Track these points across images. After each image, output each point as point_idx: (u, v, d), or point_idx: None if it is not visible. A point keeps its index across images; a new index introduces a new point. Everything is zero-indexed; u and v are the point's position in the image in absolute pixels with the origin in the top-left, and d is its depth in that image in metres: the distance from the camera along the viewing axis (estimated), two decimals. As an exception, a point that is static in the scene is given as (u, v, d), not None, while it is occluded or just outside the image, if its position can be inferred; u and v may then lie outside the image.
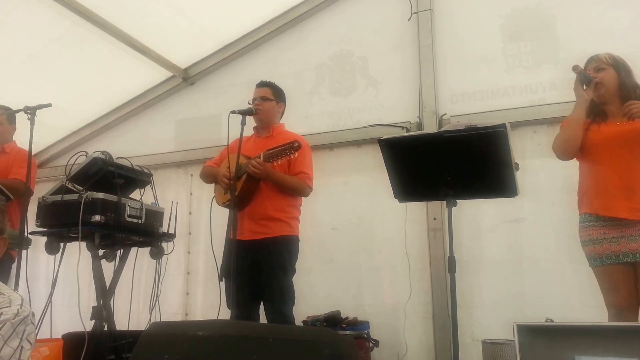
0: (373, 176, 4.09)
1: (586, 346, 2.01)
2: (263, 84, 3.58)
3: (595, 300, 3.45)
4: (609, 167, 2.63)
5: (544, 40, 4.04)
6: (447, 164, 2.54)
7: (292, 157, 3.13)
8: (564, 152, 2.83)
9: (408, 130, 4.21)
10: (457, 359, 2.41)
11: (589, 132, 2.72)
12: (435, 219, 4.01)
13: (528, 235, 3.78)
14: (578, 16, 3.96)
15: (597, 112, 2.79)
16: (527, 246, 3.77)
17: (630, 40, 3.53)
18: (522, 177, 3.63)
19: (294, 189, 3.37)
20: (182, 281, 4.74)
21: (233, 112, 3.29)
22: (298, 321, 3.85)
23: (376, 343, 3.83)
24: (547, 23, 4.05)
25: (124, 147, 4.77)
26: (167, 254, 3.72)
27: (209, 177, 3.61)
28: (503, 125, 2.35)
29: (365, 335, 3.81)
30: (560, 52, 3.96)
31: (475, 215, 3.91)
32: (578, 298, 3.52)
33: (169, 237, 3.71)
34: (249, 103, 3.47)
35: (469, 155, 2.48)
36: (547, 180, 3.80)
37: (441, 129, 2.57)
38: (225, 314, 3.13)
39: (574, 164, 3.73)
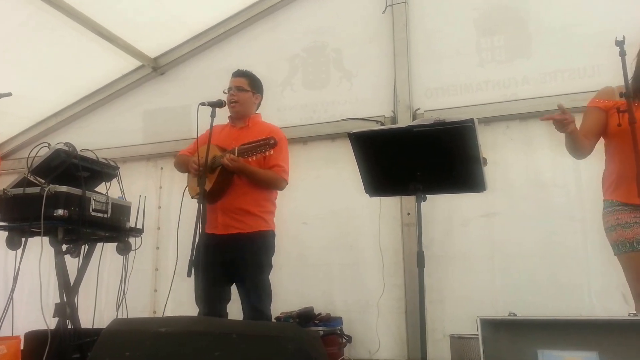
0: (347, 170, 4.02)
1: (548, 340, 2.01)
2: (240, 74, 3.48)
3: (564, 294, 3.52)
4: None
5: (517, 34, 4.04)
6: (417, 158, 2.50)
7: (267, 154, 3.07)
8: (574, 155, 2.75)
9: (382, 124, 4.18)
10: (425, 354, 2.37)
11: (623, 119, 2.43)
12: (409, 213, 4.00)
13: (500, 230, 3.79)
14: (551, 10, 3.97)
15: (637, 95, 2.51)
16: (499, 241, 3.78)
17: (602, 35, 3.52)
18: (494, 172, 3.66)
19: (268, 183, 3.30)
20: (150, 278, 4.64)
21: (202, 104, 3.20)
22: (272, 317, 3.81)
23: (349, 339, 3.82)
24: (521, 17, 4.05)
25: (91, 138, 4.64)
26: (135, 250, 3.63)
27: (182, 165, 3.49)
28: (471, 120, 2.32)
29: (338, 332, 3.79)
30: (533, 47, 3.97)
31: (448, 210, 3.91)
32: (548, 292, 3.54)
33: (137, 232, 3.63)
34: (224, 92, 3.38)
35: (437, 150, 2.44)
36: (519, 175, 3.82)
37: (410, 124, 2.53)
38: (195, 311, 3.07)
39: (547, 159, 3.79)
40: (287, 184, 3.36)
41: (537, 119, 3.79)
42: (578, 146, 2.63)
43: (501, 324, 2.09)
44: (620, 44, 2.43)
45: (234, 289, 3.27)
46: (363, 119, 4.25)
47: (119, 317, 3.39)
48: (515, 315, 2.10)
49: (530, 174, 3.80)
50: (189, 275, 2.96)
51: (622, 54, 2.45)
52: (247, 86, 3.44)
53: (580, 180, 3.61)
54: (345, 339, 3.78)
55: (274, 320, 3.75)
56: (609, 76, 3.14)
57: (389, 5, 4.40)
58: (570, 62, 3.81)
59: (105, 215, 3.40)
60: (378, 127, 3.97)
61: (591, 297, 3.48)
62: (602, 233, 2.74)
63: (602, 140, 2.75)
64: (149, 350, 2.05)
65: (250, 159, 3.12)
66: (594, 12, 3.82)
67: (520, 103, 3.88)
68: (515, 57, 4.02)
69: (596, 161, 3.08)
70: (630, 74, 2.52)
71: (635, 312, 2.26)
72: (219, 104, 3.28)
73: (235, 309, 3.28)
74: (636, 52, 2.63)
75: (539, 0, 4.02)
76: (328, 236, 4.24)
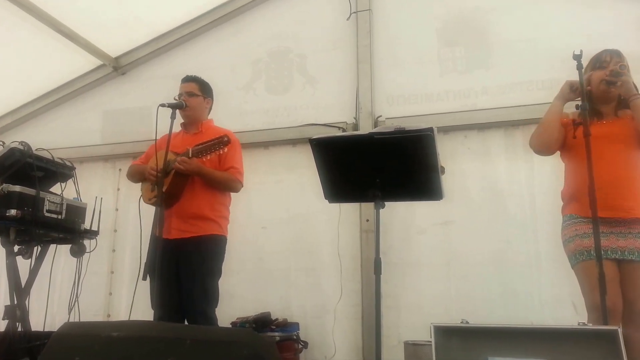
0: (307, 176, 4.04)
1: (499, 347, 2.05)
2: (189, 79, 3.49)
3: (516, 302, 3.61)
4: (600, 167, 2.42)
5: (477, 46, 4.13)
6: (376, 165, 2.52)
7: (221, 152, 3.07)
8: (541, 143, 2.78)
9: (344, 130, 4.21)
10: (380, 359, 2.39)
11: (578, 131, 2.53)
12: (368, 220, 4.02)
13: (456, 238, 3.85)
14: (511, 23, 4.07)
15: (591, 112, 2.61)
16: (455, 249, 3.84)
17: (560, 49, 3.63)
18: (452, 181, 3.73)
19: (224, 184, 3.30)
20: (105, 281, 4.54)
21: (162, 105, 3.18)
22: (227, 322, 3.78)
23: (305, 345, 3.82)
24: (482, 29, 4.14)
25: (48, 137, 4.55)
26: (89, 252, 3.56)
27: (136, 175, 3.47)
28: (430, 129, 2.36)
29: (295, 337, 3.79)
30: (492, 58, 4.07)
31: (406, 217, 3.96)
32: (501, 300, 3.62)
33: (92, 234, 3.55)
34: (175, 99, 3.36)
35: (397, 157, 2.47)
36: (476, 185, 3.89)
37: (371, 131, 2.55)
38: (150, 315, 3.02)
39: (503, 169, 3.89)
40: (242, 186, 3.37)
41: (495, 129, 3.94)
42: (555, 129, 2.64)
43: (454, 331, 2.13)
44: (577, 57, 2.52)
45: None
46: (325, 125, 4.26)
47: (71, 320, 3.31)
48: (467, 322, 2.14)
49: (486, 183, 3.88)
50: (144, 278, 2.92)
51: (579, 67, 2.55)
52: (198, 91, 3.44)
53: (534, 191, 3.72)
54: (302, 344, 3.78)
55: (229, 325, 3.73)
56: (567, 89, 3.26)
57: (353, 13, 4.44)
58: (528, 75, 3.91)
59: (60, 217, 3.34)
60: (339, 133, 4.00)
61: (542, 305, 3.56)
62: (553, 243, 2.85)
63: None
64: (99, 355, 2.00)
65: (204, 159, 3.12)
66: (552, 26, 3.94)
67: (479, 113, 3.97)
68: (475, 68, 4.11)
69: (549, 173, 3.20)
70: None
71: (584, 322, 2.31)
72: (179, 106, 3.28)
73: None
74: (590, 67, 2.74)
75: (499, 14, 4.12)
76: (287, 241, 4.23)
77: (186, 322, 3.12)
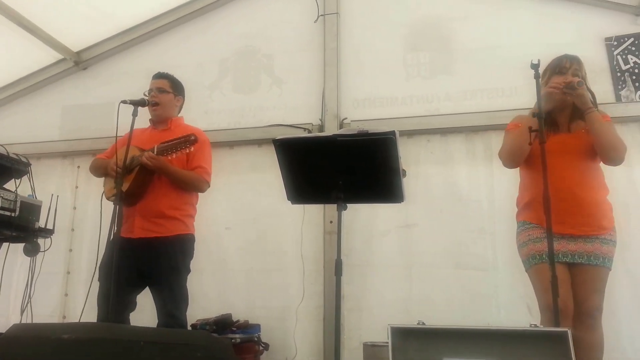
0: (272, 176, 3.97)
1: (454, 348, 2.08)
2: (161, 76, 3.42)
3: (474, 304, 3.67)
4: (552, 181, 2.43)
5: (441, 52, 4.20)
6: (339, 167, 2.52)
7: (187, 151, 3.01)
8: (512, 161, 2.80)
9: (309, 132, 4.21)
10: (340, 361, 2.40)
11: (534, 139, 2.53)
12: (331, 222, 4.03)
13: (418, 241, 3.89)
14: (474, 31, 4.16)
15: (548, 122, 2.68)
16: (417, 251, 3.87)
17: (520, 58, 3.73)
18: (415, 184, 3.77)
19: (190, 184, 3.24)
20: (60, 281, 4.40)
21: (124, 101, 3.10)
22: (187, 324, 3.71)
23: (266, 347, 3.79)
24: (446, 36, 4.21)
25: (3, 132, 4.43)
26: (44, 251, 3.46)
27: (99, 169, 3.38)
28: (392, 133, 2.38)
29: (256, 339, 3.75)
30: (456, 65, 4.14)
31: (370, 219, 3.98)
32: (460, 302, 3.68)
33: (46, 232, 3.47)
34: (144, 94, 3.29)
35: (360, 160, 2.48)
36: (437, 188, 3.95)
37: (334, 133, 2.56)
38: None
39: (464, 174, 3.95)
40: (209, 186, 3.32)
41: (456, 134, 4.00)
42: (524, 142, 2.59)
43: (410, 332, 2.15)
44: (535, 67, 2.59)
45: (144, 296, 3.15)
46: (291, 126, 4.26)
47: (24, 321, 3.21)
48: (424, 323, 2.17)
49: (448, 187, 3.93)
50: (99, 279, 2.85)
51: (537, 76, 2.61)
52: (169, 88, 3.38)
53: (493, 196, 3.78)
54: (262, 346, 3.75)
55: (189, 327, 3.67)
56: (526, 97, 3.35)
57: (321, 15, 4.45)
58: (489, 82, 3.99)
59: (13, 214, 3.25)
60: (304, 134, 4.00)
61: (499, 307, 3.63)
62: (510, 247, 2.90)
63: None
64: (49, 357, 1.95)
65: (170, 157, 3.06)
66: (513, 36, 4.03)
67: (442, 118, 4.02)
68: (439, 74, 4.17)
69: (507, 179, 3.26)
70: None
71: (536, 323, 2.37)
72: (141, 103, 3.20)
73: (147, 318, 3.18)
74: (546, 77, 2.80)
75: (463, 22, 4.19)
76: (251, 242, 4.20)
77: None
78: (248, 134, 4.39)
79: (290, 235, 4.09)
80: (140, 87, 3.39)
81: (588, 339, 2.53)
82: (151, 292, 3.11)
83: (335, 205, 2.60)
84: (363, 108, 4.26)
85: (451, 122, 3.97)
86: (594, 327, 2.57)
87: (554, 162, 2.49)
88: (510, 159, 2.81)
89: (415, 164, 3.92)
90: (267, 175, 4.14)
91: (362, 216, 3.95)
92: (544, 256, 2.56)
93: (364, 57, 4.36)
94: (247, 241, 4.20)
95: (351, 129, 2.58)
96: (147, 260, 3.07)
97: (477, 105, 3.98)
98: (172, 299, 3.07)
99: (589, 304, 2.58)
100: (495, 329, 2.26)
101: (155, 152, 3.03)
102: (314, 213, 4.07)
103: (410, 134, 3.98)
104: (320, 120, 4.27)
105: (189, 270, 3.22)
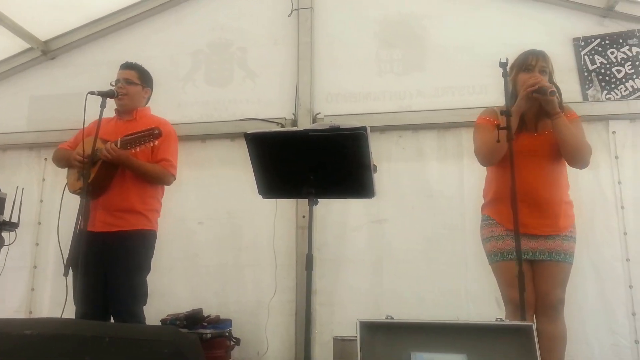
0: (245, 170, 3.92)
1: (421, 342, 2.11)
2: (128, 66, 3.36)
3: (444, 298, 3.72)
4: (519, 181, 2.47)
5: (414, 49, 4.22)
6: (311, 162, 2.53)
7: (152, 144, 2.96)
8: (488, 161, 2.81)
9: (283, 126, 4.19)
10: (310, 355, 2.41)
11: (502, 135, 2.52)
12: (304, 216, 4.01)
13: (389, 236, 3.92)
14: (445, 29, 4.19)
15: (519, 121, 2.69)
16: (388, 246, 3.91)
17: (489, 57, 3.78)
18: (387, 180, 3.80)
19: (154, 177, 3.19)
20: (26, 275, 4.29)
21: (92, 92, 3.06)
22: (157, 320, 3.68)
23: (237, 341, 3.77)
24: (418, 33, 4.24)
25: (-33, 123, 4.26)
26: (8, 245, 3.37)
27: (62, 160, 3.31)
28: (364, 128, 2.39)
29: (227, 334, 3.73)
30: (428, 62, 4.17)
31: (341, 214, 4.00)
32: (430, 297, 3.72)
33: (11, 226, 3.39)
34: (111, 84, 3.23)
35: (331, 155, 2.49)
36: (409, 184, 3.98)
37: (306, 128, 2.56)
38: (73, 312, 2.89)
39: (435, 170, 3.99)
40: (175, 179, 3.29)
41: (428, 130, 4.04)
42: (504, 150, 2.59)
43: (379, 326, 2.17)
44: (503, 65, 2.63)
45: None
46: (264, 120, 4.23)
47: (-12, 317, 3.12)
48: (392, 318, 2.19)
49: (419, 183, 3.97)
50: (65, 274, 2.79)
51: (505, 74, 2.66)
52: (137, 79, 3.32)
53: (463, 192, 3.83)
54: (234, 341, 3.73)
55: (159, 322, 3.63)
56: (495, 94, 3.38)
57: (295, 10, 4.43)
58: (460, 80, 4.04)
59: (-25, 207, 3.15)
60: (276, 128, 3.98)
61: (468, 302, 3.70)
62: (479, 242, 2.94)
63: None
64: (10, 354, 1.89)
65: (133, 150, 2.99)
66: (484, 34, 4.08)
67: (413, 114, 4.05)
68: (411, 71, 4.19)
69: (477, 176, 3.30)
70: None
71: (501, 317, 2.43)
72: (110, 94, 3.15)
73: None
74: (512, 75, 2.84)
75: (434, 21, 4.23)
76: (223, 236, 4.17)
77: (112, 320, 3.01)
78: (220, 128, 4.35)
79: (262, 230, 4.08)
80: (111, 78, 3.33)
81: (551, 330, 2.60)
82: (109, 287, 3.04)
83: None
84: (336, 103, 4.26)
85: (423, 118, 4.01)
86: (556, 319, 2.64)
87: (519, 162, 2.52)
88: (487, 158, 2.81)
89: (387, 159, 3.95)
90: (239, 170, 4.10)
91: (335, 211, 3.96)
92: (505, 254, 2.68)
93: (338, 52, 4.36)
94: (219, 235, 4.17)
95: (323, 124, 2.59)
96: (108, 254, 3.02)
97: (448, 102, 4.02)
98: (132, 295, 3.04)
99: (552, 297, 2.64)
100: (462, 323, 2.30)
101: (118, 145, 2.98)
102: (286, 208, 4.06)
103: (382, 129, 4.00)
104: (294, 114, 4.26)
105: (149, 268, 3.18)
